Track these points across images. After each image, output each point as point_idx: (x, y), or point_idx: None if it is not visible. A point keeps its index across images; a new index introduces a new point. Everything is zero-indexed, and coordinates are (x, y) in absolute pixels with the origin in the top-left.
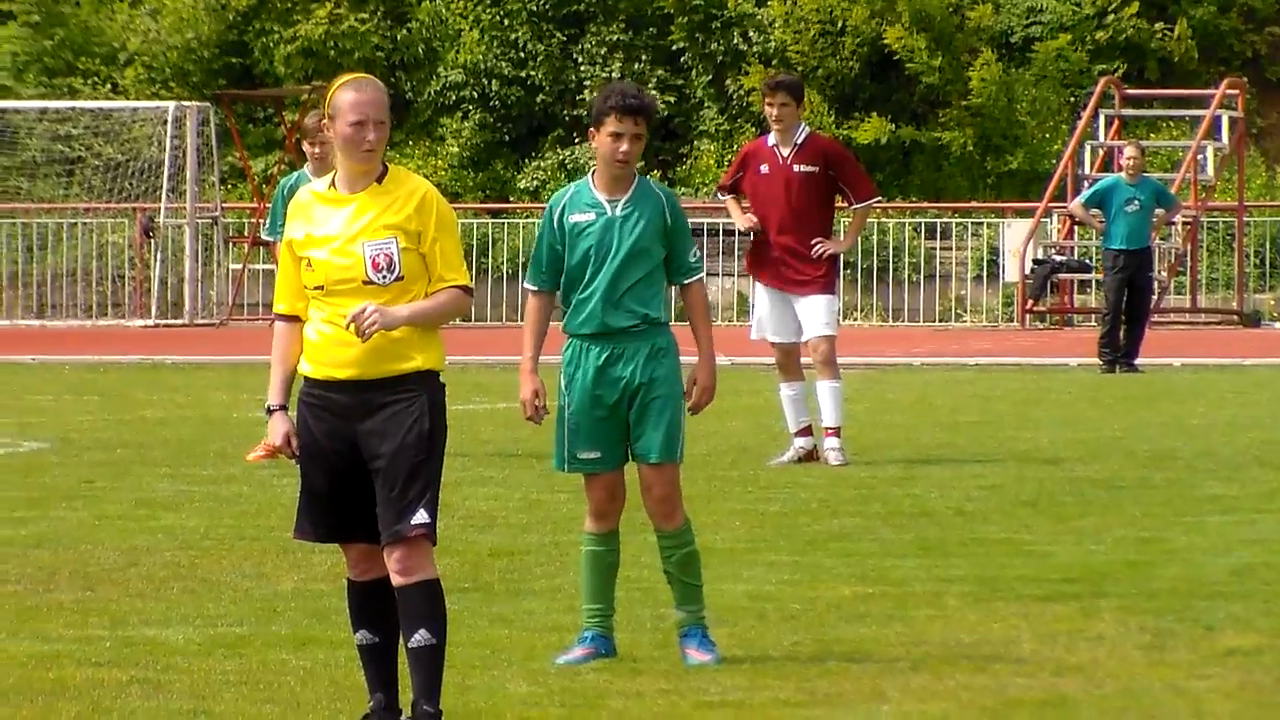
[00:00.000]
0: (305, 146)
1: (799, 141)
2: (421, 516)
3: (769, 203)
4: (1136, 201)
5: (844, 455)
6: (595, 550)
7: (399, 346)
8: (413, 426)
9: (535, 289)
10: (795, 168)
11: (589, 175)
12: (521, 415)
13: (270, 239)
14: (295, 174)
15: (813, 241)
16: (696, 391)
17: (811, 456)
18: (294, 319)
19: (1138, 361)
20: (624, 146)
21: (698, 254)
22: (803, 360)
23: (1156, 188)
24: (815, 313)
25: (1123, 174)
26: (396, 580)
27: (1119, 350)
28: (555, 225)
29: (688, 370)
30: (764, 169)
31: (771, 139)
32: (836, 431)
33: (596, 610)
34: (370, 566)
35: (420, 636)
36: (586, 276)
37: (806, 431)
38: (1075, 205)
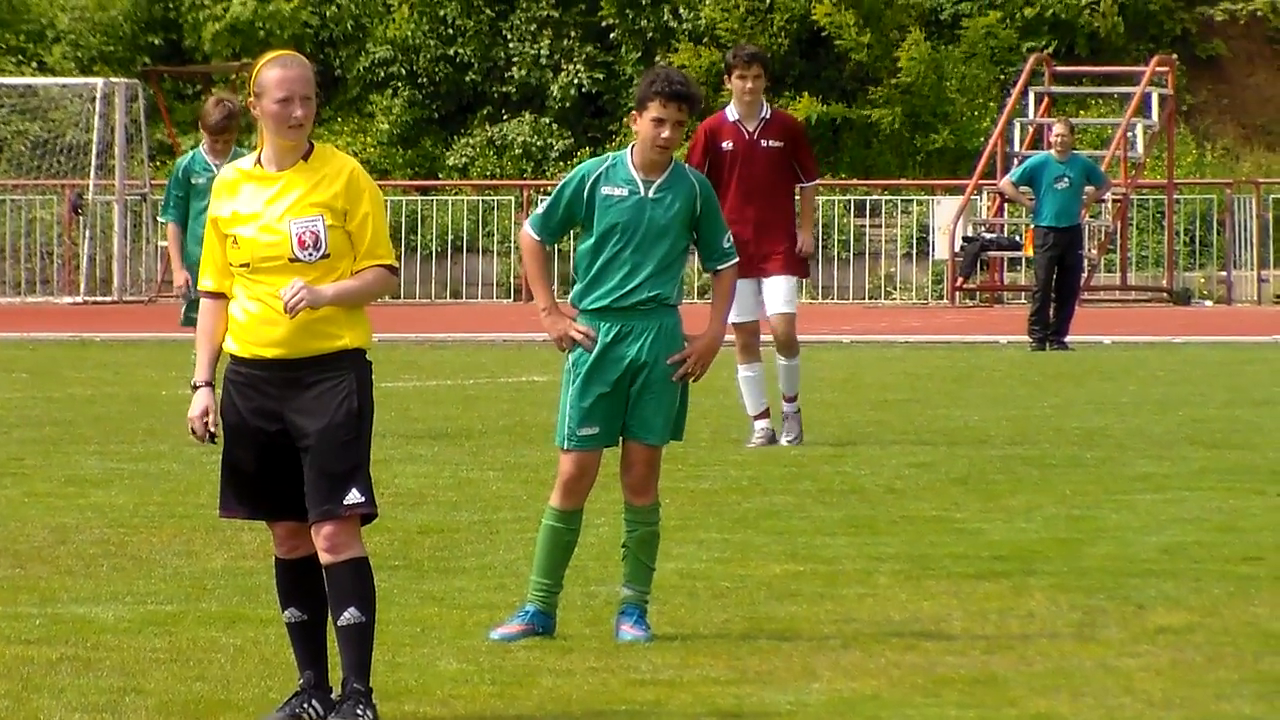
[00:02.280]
0: (205, 134)
1: (765, 117)
2: (354, 496)
3: (733, 179)
4: (1066, 179)
5: (798, 428)
6: (556, 526)
7: (325, 325)
8: (341, 405)
9: (538, 238)
10: (763, 143)
11: (628, 150)
12: (561, 349)
13: (162, 220)
14: (189, 155)
15: (798, 249)
16: (692, 354)
17: (774, 440)
18: (220, 296)
19: (1068, 339)
20: (665, 133)
21: (730, 239)
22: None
23: (1086, 165)
24: (779, 290)
25: (1052, 151)
26: (325, 558)
27: (1049, 328)
28: (586, 193)
29: None
30: (727, 145)
31: (733, 114)
32: (793, 398)
33: (544, 586)
34: (298, 544)
35: (349, 615)
36: (608, 251)
37: (765, 415)
38: (1005, 183)
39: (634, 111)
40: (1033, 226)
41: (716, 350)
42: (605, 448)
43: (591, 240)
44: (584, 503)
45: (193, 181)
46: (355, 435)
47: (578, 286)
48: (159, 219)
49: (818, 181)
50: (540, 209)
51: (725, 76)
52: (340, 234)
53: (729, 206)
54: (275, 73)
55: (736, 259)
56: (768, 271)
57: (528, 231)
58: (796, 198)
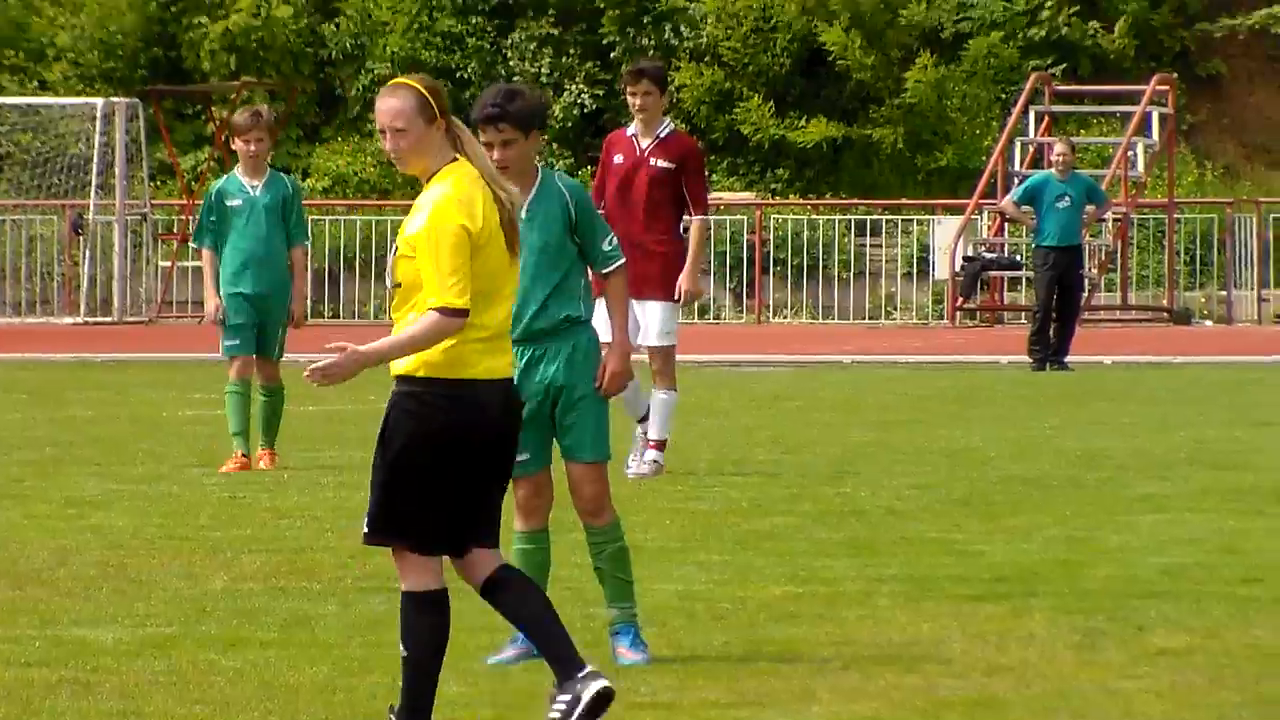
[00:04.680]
0: (237, 144)
1: (661, 135)
2: (365, 525)
3: (616, 193)
4: (1067, 198)
5: (660, 468)
6: (524, 549)
7: None
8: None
9: None
10: (652, 161)
11: None
12: None
13: (196, 245)
14: (224, 178)
15: (676, 295)
16: (607, 377)
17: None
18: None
19: (1068, 359)
20: (496, 154)
21: (614, 241)
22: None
23: (1087, 184)
24: (653, 319)
25: (1053, 170)
26: None
27: (1049, 348)
28: None
29: None
30: (618, 158)
31: (632, 129)
32: (660, 445)
33: None
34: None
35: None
36: None
37: (662, 445)
38: (1006, 202)
39: None
40: (1034, 246)
41: (626, 359)
42: (544, 468)
43: None
44: (546, 520)
45: (227, 204)
46: (376, 463)
47: None
48: (192, 244)
49: (704, 217)
50: None
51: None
52: (412, 265)
53: (608, 220)
54: (376, 104)
55: (623, 259)
56: (642, 294)
57: None
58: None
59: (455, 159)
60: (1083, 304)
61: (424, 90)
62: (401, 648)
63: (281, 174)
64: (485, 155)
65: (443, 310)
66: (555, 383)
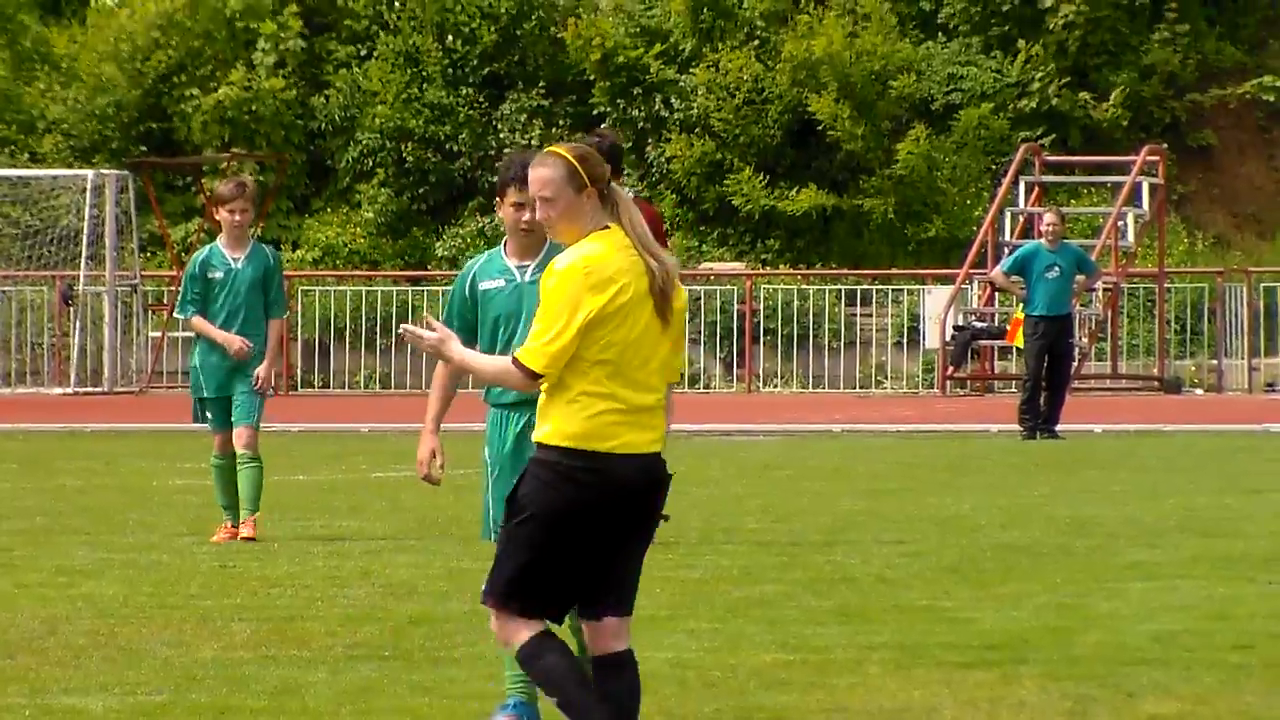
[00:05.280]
0: (221, 214)
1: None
2: (484, 584)
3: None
4: (1057, 268)
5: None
6: None
7: (540, 416)
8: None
9: None
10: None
11: (502, 244)
12: (418, 475)
13: (181, 316)
14: (207, 249)
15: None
16: None
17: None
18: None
19: (1058, 428)
20: (526, 215)
21: None
22: None
23: (1077, 254)
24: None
25: (1043, 240)
26: None
27: (1039, 417)
28: (466, 292)
29: None
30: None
31: None
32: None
33: (520, 676)
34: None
35: None
36: (499, 344)
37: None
38: (996, 273)
39: (496, 200)
40: (1022, 315)
41: None
42: None
43: (483, 335)
44: None
45: (210, 275)
46: (503, 523)
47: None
48: (176, 315)
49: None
50: None
51: None
52: None
53: None
54: (529, 173)
55: None
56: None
57: None
58: None
59: (607, 227)
60: (1073, 373)
61: (573, 159)
62: (549, 698)
63: (264, 246)
64: (642, 223)
65: (518, 362)
66: None
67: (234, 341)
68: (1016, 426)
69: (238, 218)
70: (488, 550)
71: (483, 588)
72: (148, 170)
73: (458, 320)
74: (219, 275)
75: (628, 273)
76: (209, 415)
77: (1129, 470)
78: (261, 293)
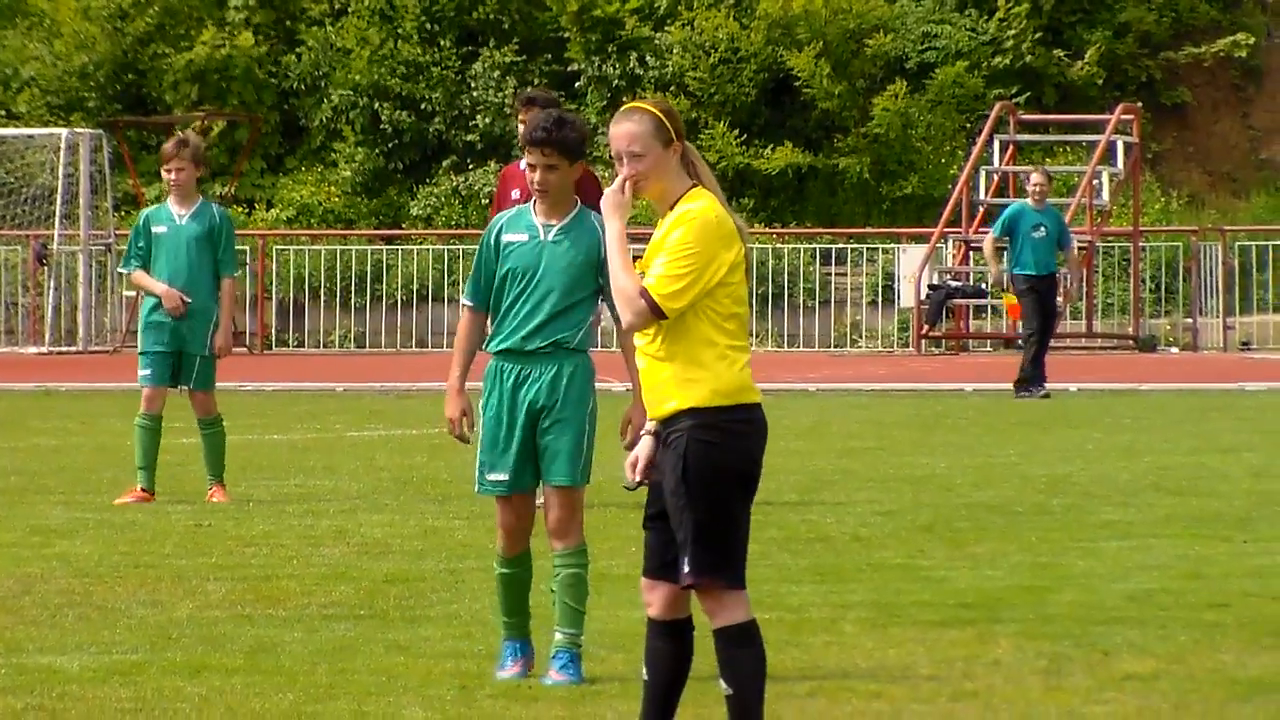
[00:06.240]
0: (163, 171)
1: None
2: (684, 567)
3: None
4: (1043, 228)
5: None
6: (507, 573)
7: (658, 390)
8: (673, 471)
9: (470, 305)
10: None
11: (533, 200)
12: (450, 434)
13: (124, 270)
14: (155, 206)
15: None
16: (630, 430)
17: None
18: None
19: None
20: (536, 176)
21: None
22: None
23: (1060, 218)
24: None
25: (1029, 200)
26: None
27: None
28: (492, 243)
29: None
30: (515, 194)
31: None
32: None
33: (514, 622)
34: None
35: (721, 685)
36: (509, 296)
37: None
38: (989, 242)
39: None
40: (1015, 300)
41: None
42: (519, 493)
43: (496, 285)
44: (526, 545)
45: (154, 230)
46: (684, 503)
47: (490, 333)
48: (120, 270)
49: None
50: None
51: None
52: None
53: None
54: (611, 129)
55: None
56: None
57: (463, 303)
58: None
59: (695, 185)
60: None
61: (659, 113)
62: (724, 685)
63: (212, 204)
64: (717, 183)
65: (649, 296)
66: (536, 404)
67: (172, 296)
68: (991, 385)
69: (174, 175)
70: (462, 509)
71: (685, 571)
72: (121, 129)
73: (484, 271)
74: (163, 230)
75: (740, 230)
76: (143, 369)
77: (1104, 429)
78: (208, 250)
